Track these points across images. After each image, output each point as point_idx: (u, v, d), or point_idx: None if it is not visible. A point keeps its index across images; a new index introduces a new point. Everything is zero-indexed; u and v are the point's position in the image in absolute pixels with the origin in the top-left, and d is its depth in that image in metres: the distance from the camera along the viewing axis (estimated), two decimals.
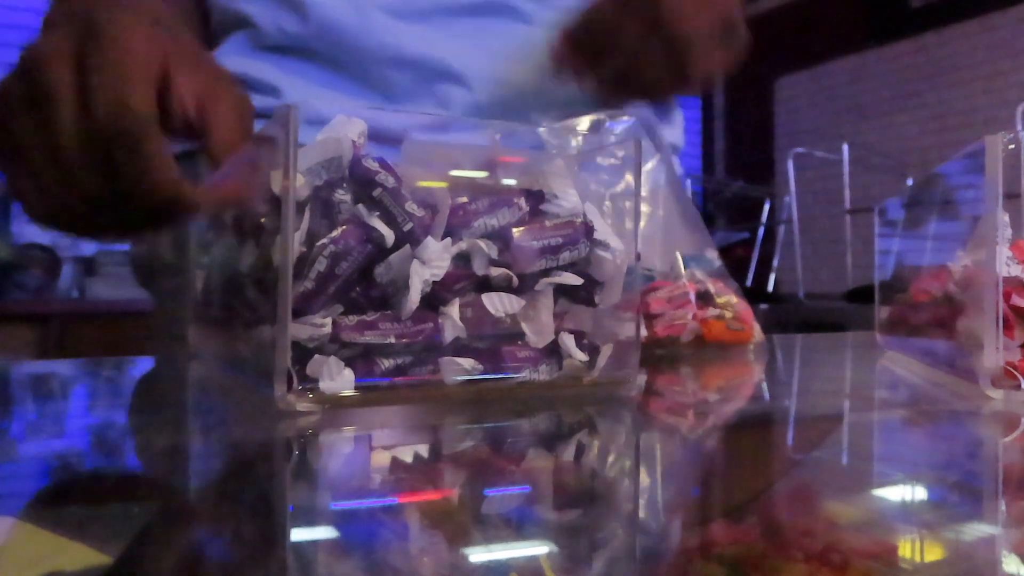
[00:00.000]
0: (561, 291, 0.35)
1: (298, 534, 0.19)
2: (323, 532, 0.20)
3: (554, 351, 0.34)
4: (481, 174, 0.36)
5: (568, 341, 0.35)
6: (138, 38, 0.39)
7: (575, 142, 0.41)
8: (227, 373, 0.41)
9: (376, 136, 0.34)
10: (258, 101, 0.62)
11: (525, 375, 0.34)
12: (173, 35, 0.43)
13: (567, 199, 0.35)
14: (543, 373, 0.34)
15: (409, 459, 0.27)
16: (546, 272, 0.34)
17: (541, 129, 0.41)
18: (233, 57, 0.63)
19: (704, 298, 0.58)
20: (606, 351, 0.35)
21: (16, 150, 0.41)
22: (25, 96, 0.39)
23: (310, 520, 0.21)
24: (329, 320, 0.31)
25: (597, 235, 0.35)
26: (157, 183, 0.39)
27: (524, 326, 0.34)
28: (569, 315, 0.35)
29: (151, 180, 0.39)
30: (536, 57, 0.62)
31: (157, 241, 0.66)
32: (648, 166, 0.58)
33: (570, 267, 0.34)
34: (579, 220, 0.35)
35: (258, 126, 0.57)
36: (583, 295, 0.35)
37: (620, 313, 0.36)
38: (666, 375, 0.48)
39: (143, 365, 0.56)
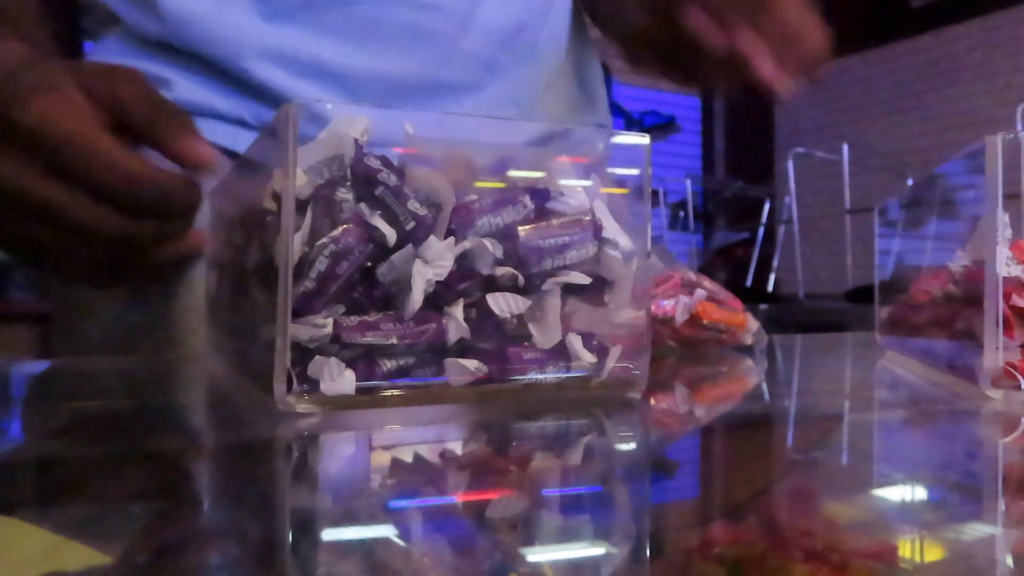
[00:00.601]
0: (569, 291, 0.35)
1: (296, 535, 0.19)
2: (321, 534, 0.20)
3: (561, 352, 0.34)
4: (538, 174, 0.35)
5: (576, 342, 0.34)
6: (65, 99, 0.41)
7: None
8: (232, 373, 0.41)
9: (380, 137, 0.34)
10: None
11: (531, 377, 0.34)
12: (68, 66, 0.44)
13: (574, 197, 0.35)
14: (550, 375, 0.34)
15: (410, 461, 0.27)
16: (553, 271, 0.34)
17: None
18: (115, 55, 0.61)
19: (690, 286, 0.58)
20: (615, 352, 0.35)
21: (41, 249, 0.42)
22: (19, 213, 0.41)
23: (308, 521, 0.21)
24: (330, 320, 0.31)
25: (606, 233, 0.35)
26: (177, 189, 0.40)
27: (530, 327, 0.33)
28: (577, 315, 0.35)
29: (174, 191, 0.40)
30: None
31: None
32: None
33: (578, 266, 0.34)
34: (587, 218, 0.34)
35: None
36: (592, 295, 0.35)
37: (630, 313, 0.36)
38: (668, 376, 0.48)
39: (143, 365, 0.56)
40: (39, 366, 0.63)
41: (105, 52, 0.63)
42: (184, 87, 0.60)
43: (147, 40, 0.61)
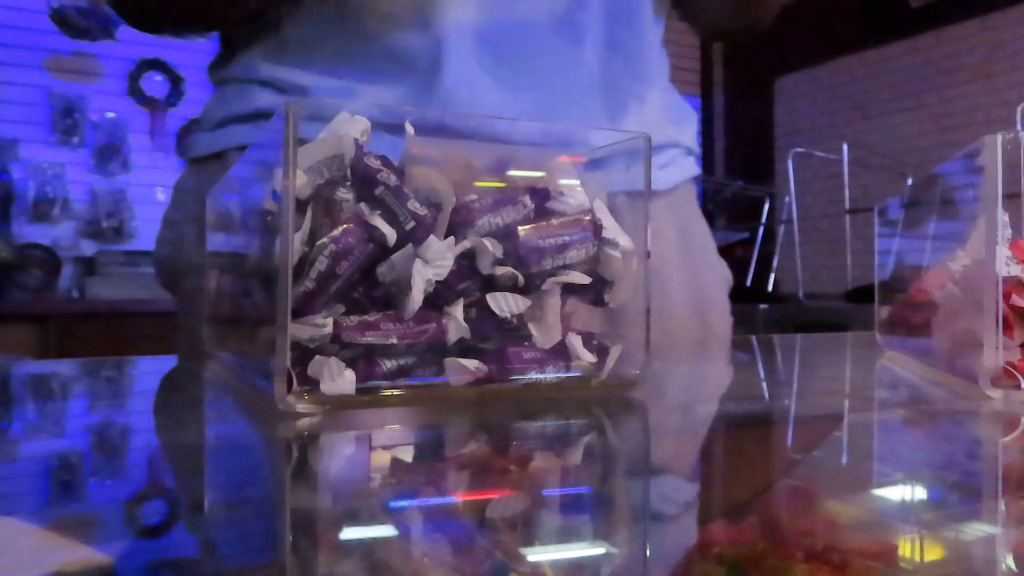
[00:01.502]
0: (569, 290, 0.35)
1: (296, 535, 0.19)
2: (321, 534, 0.20)
3: (562, 352, 0.34)
4: (538, 174, 0.35)
5: (576, 342, 0.34)
6: None
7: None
8: (236, 373, 0.41)
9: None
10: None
11: (531, 377, 0.34)
12: None
13: (574, 196, 0.35)
14: (550, 375, 0.34)
15: (410, 461, 0.27)
16: (553, 271, 0.34)
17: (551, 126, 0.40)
18: (260, 63, 0.62)
19: None
20: (615, 352, 0.35)
21: None
22: None
23: (308, 521, 0.21)
24: (330, 320, 0.31)
25: (606, 233, 0.35)
26: None
27: (531, 326, 0.33)
28: (577, 315, 0.35)
29: None
30: None
31: (183, 242, 0.66)
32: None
33: (578, 266, 0.34)
34: (587, 218, 0.34)
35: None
36: (592, 295, 0.35)
37: (630, 313, 0.36)
38: (668, 375, 0.48)
39: (144, 365, 0.56)
40: (42, 367, 0.63)
41: (249, 62, 0.63)
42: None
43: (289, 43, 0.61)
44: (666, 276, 0.71)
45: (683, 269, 0.73)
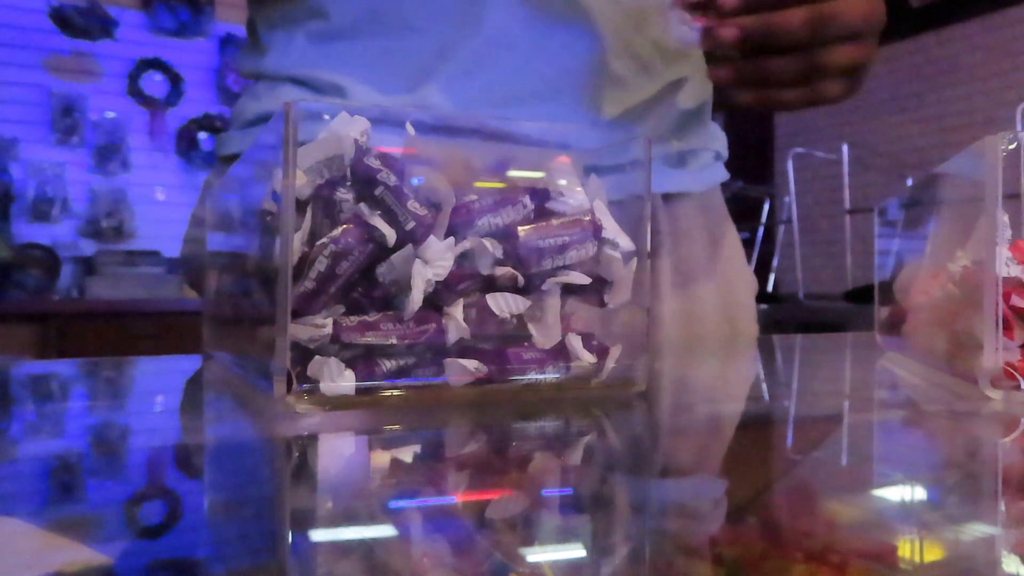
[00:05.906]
0: (569, 291, 0.35)
1: (296, 535, 0.19)
2: (321, 534, 0.20)
3: (561, 352, 0.34)
4: (538, 174, 0.35)
5: (576, 342, 0.34)
6: None
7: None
8: (236, 373, 0.41)
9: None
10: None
11: (531, 377, 0.34)
12: None
13: (574, 197, 0.35)
14: (550, 375, 0.34)
15: (410, 461, 0.27)
16: (553, 271, 0.34)
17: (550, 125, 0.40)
18: (296, 59, 0.61)
19: None
20: (615, 352, 0.35)
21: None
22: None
23: (308, 521, 0.21)
24: (330, 320, 0.31)
25: (606, 234, 0.35)
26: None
27: (530, 327, 0.33)
28: (577, 315, 0.35)
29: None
30: None
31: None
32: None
33: (578, 266, 0.34)
34: (587, 218, 0.34)
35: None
36: (591, 295, 0.35)
37: (630, 313, 0.36)
38: (668, 376, 0.48)
39: (144, 365, 0.56)
40: (41, 367, 0.63)
41: (284, 54, 0.62)
42: (359, 95, 0.59)
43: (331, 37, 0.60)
44: (694, 279, 0.70)
45: (712, 273, 0.72)
